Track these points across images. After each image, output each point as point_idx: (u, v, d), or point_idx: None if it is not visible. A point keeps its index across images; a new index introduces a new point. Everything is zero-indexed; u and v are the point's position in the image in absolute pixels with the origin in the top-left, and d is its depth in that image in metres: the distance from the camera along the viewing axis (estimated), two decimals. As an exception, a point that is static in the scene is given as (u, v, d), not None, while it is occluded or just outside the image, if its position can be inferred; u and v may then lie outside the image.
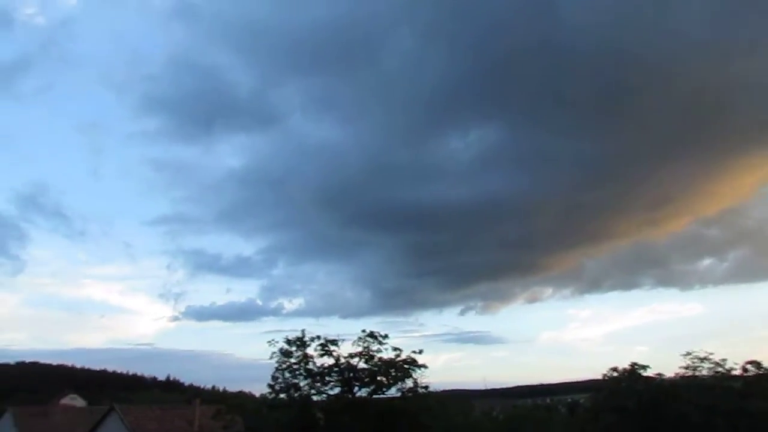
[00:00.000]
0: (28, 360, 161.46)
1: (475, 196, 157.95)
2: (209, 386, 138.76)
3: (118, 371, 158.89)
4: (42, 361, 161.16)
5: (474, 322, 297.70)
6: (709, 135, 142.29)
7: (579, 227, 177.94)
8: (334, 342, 29.14)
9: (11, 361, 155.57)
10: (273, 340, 29.14)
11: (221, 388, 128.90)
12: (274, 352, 29.01)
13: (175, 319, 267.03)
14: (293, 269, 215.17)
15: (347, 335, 29.89)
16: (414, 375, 28.59)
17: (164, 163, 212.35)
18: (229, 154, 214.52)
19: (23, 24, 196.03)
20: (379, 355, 29.09)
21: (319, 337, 29.23)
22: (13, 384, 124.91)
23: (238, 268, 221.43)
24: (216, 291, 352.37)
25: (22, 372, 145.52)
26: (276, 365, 28.73)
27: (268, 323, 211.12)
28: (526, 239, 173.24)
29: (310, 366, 29.12)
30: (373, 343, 29.30)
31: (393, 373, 28.73)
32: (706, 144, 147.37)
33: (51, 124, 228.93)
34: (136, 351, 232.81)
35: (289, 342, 28.85)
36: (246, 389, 65.98)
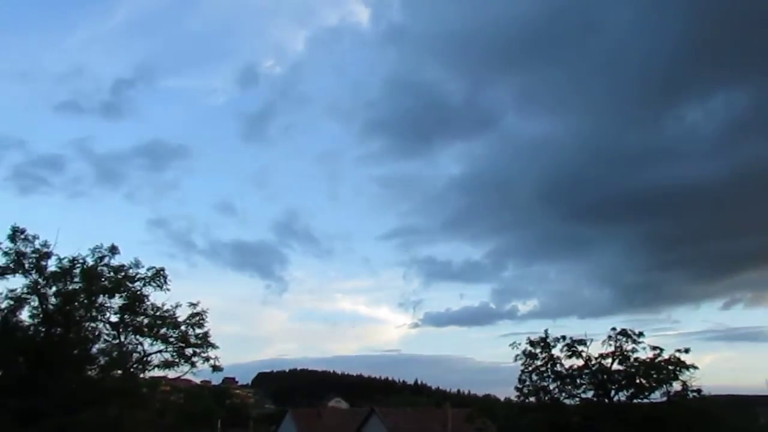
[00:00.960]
0: (299, 368, 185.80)
1: (726, 172, 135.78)
2: (454, 390, 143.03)
3: (372, 376, 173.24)
4: (310, 368, 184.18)
5: (742, 317, 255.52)
6: None
7: None
8: (582, 342, 27.22)
9: (286, 368, 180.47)
10: (515, 342, 28.36)
11: (466, 392, 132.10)
12: (518, 355, 28.22)
13: (416, 325, 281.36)
14: (524, 270, 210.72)
15: (592, 335, 27.78)
16: (681, 377, 25.17)
17: (390, 179, 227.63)
18: (449, 163, 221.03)
19: (265, 76, 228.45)
20: (634, 355, 26.37)
21: (564, 338, 27.63)
22: (289, 388, 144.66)
23: (468, 273, 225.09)
24: (450, 297, 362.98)
25: (294, 378, 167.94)
26: (521, 368, 27.89)
27: (504, 326, 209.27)
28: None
29: (558, 368, 27.65)
30: (627, 342, 26.63)
31: (654, 375, 25.72)
32: None
33: (294, 159, 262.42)
34: (385, 357, 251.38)
35: (532, 343, 27.76)
36: (489, 392, 65.96)
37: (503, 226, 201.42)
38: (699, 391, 25.49)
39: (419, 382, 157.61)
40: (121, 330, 20.22)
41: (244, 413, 79.81)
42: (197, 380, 22.08)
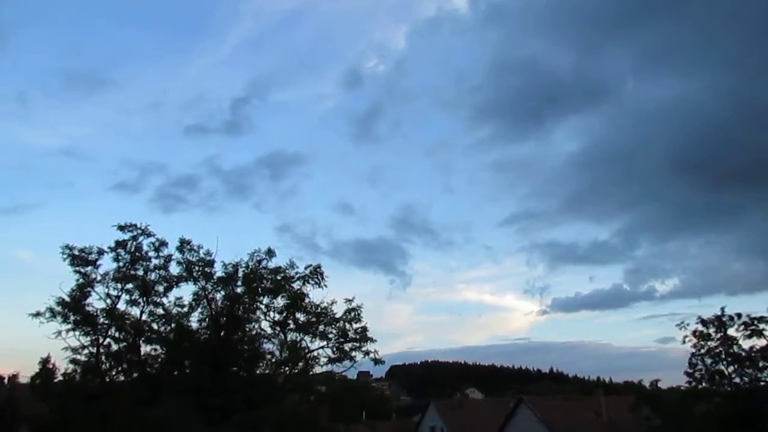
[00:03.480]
0: (430, 360, 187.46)
1: None
2: (593, 377, 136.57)
3: (504, 365, 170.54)
4: (440, 359, 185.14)
5: None
6: None
7: None
8: (763, 319, 24.42)
9: (417, 361, 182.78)
10: (683, 322, 26.11)
11: (606, 379, 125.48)
12: (686, 336, 25.97)
13: (544, 312, 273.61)
14: (659, 247, 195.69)
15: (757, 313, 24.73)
16: None
17: (504, 164, 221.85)
18: (565, 140, 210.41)
19: (369, 76, 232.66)
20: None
21: (740, 315, 24.97)
22: (423, 380, 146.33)
23: (596, 254, 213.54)
24: (578, 281, 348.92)
25: (427, 370, 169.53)
26: (692, 350, 25.61)
27: (641, 309, 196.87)
28: None
29: (735, 349, 25.03)
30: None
31: None
32: None
33: (406, 154, 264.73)
34: (515, 345, 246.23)
35: (704, 323, 25.41)
36: (631, 379, 61.81)
37: (631, 201, 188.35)
38: None
39: (555, 370, 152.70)
40: (285, 329, 21.16)
41: (384, 406, 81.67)
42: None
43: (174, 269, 22.22)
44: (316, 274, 21.03)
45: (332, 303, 21.24)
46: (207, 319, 22.05)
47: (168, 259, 22.16)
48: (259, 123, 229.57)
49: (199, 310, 22.23)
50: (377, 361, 20.55)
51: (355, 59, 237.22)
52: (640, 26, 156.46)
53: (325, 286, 21.17)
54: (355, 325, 20.92)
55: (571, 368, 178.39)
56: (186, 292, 28.34)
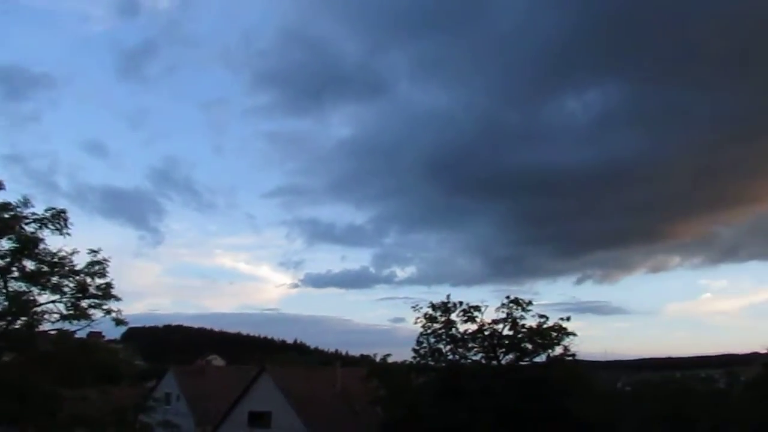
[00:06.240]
0: (173, 323, 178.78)
1: (595, 159, 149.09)
2: (332, 350, 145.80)
3: (252, 334, 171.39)
4: (185, 324, 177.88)
5: (592, 291, 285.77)
6: None
7: (712, 191, 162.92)
8: (478, 308, 28.97)
9: (159, 324, 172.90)
10: (418, 305, 29.47)
11: (344, 352, 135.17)
12: (418, 317, 29.39)
13: (296, 286, 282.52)
14: (404, 237, 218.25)
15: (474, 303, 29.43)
16: (563, 343, 27.76)
17: (278, 135, 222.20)
18: (340, 124, 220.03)
19: (148, 9, 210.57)
20: (523, 321, 28.57)
21: (461, 303, 29.20)
22: (163, 344, 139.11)
23: (351, 236, 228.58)
24: (332, 259, 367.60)
25: (168, 334, 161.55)
26: (421, 330, 29.12)
27: (382, 290, 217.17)
28: (651, 204, 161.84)
29: (453, 332, 29.20)
30: (517, 309, 28.75)
31: (539, 341, 28.09)
32: None
33: (177, 103, 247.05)
34: (264, 315, 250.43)
35: (434, 307, 29.05)
36: (366, 352, 68.20)
37: (388, 192, 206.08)
38: (574, 355, 28.34)
39: (299, 342, 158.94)
40: (6, 276, 18.03)
41: (117, 369, 75.49)
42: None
43: None
44: (58, 219, 18.32)
45: (73, 253, 18.81)
46: None
47: None
48: (1, 27, 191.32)
49: None
50: (119, 322, 18.80)
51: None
52: (420, 36, 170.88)
53: (68, 234, 18.59)
54: (98, 281, 18.87)
55: (315, 341, 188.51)
56: None
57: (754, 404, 29.93)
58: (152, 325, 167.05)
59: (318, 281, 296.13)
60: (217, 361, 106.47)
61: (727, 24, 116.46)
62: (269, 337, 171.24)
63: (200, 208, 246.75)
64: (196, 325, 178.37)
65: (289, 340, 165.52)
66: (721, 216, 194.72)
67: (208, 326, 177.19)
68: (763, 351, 36.81)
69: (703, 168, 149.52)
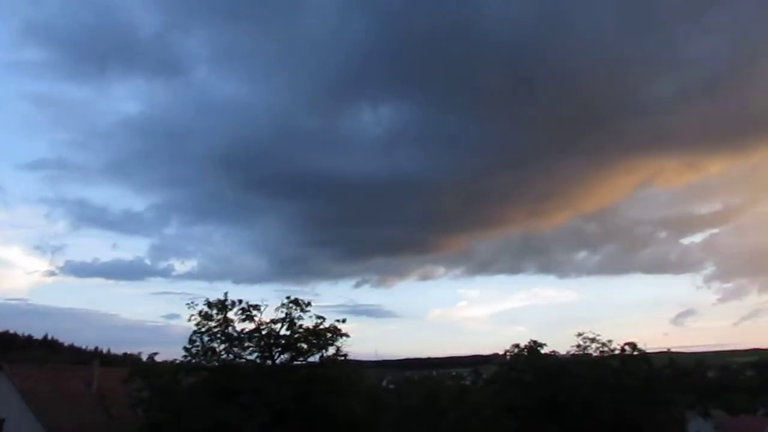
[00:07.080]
0: None
1: (381, 172, 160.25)
2: (92, 347, 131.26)
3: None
4: None
5: (368, 295, 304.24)
6: (598, 138, 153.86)
7: (474, 212, 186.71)
8: (257, 307, 28.75)
9: None
10: (193, 302, 28.15)
11: (105, 350, 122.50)
12: (193, 315, 28.08)
13: (52, 273, 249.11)
14: (187, 229, 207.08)
15: (253, 302, 29.40)
16: (336, 343, 28.94)
17: (49, 99, 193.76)
18: (125, 98, 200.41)
19: None
20: (300, 322, 29.12)
21: (241, 301, 28.69)
22: None
23: (127, 223, 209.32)
24: (100, 246, 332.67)
25: None
26: (195, 328, 27.84)
27: (157, 284, 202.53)
28: (425, 218, 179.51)
29: (230, 330, 28.52)
30: (296, 310, 29.22)
31: (314, 341, 28.89)
32: (595, 146, 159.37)
33: None
34: (7, 306, 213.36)
35: (210, 304, 28.01)
36: (133, 351, 63.13)
37: (174, 180, 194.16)
38: (345, 355, 29.78)
39: (50, 338, 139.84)
40: None
41: None
42: None
43: None
44: None
45: None
46: None
47: None
48: None
49: None
50: None
51: None
52: (226, 21, 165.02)
53: None
54: None
55: (70, 337, 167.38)
56: None
57: (490, 397, 34.80)
58: None
59: (81, 270, 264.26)
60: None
61: (503, 61, 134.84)
62: (11, 331, 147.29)
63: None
64: None
65: (38, 336, 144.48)
66: (478, 234, 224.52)
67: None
68: (501, 352, 43.15)
69: (469, 192, 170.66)
